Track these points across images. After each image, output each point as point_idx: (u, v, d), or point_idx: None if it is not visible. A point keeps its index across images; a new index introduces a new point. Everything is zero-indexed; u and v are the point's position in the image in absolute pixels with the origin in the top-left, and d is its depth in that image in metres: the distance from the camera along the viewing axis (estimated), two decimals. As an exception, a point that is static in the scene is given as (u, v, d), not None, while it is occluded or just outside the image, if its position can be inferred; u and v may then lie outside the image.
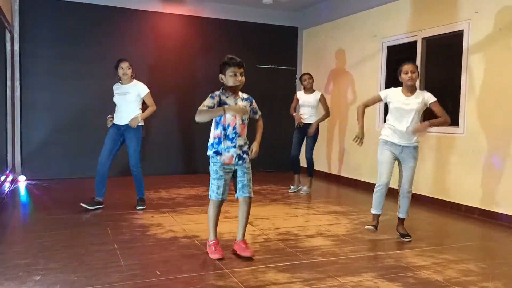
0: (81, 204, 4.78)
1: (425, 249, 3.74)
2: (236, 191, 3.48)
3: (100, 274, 2.99)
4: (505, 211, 4.68)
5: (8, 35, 6.16)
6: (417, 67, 3.93)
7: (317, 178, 7.57)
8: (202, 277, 2.99)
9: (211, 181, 3.41)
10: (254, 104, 3.55)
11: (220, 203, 3.44)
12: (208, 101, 3.33)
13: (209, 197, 3.43)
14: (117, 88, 4.93)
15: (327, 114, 6.13)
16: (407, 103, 3.87)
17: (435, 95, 3.92)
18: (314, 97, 6.11)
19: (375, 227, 4.09)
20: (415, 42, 5.83)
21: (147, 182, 5.49)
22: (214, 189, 3.39)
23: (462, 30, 5.17)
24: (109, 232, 4.01)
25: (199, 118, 3.30)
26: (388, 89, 4.05)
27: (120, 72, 4.85)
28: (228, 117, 3.33)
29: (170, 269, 3.14)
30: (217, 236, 3.50)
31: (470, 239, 4.26)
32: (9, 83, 6.24)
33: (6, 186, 5.57)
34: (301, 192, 6.17)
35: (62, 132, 6.79)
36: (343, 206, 5.39)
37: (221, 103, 3.35)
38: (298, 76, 8.43)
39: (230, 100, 3.38)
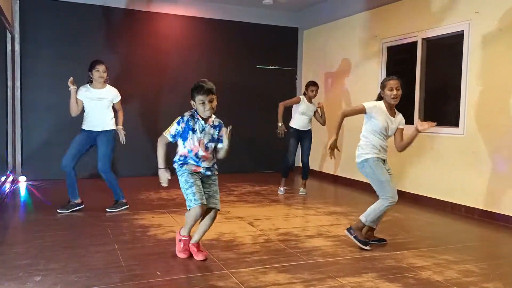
0: (58, 210, 4.70)
1: (425, 250, 3.74)
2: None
3: (100, 275, 2.99)
4: (505, 211, 4.68)
5: (8, 36, 6.17)
6: (401, 83, 3.72)
7: (316, 179, 7.58)
8: (202, 278, 2.99)
9: (185, 192, 3.25)
10: (223, 131, 3.35)
11: (202, 208, 3.22)
12: (173, 128, 3.25)
13: (187, 207, 3.23)
14: (87, 91, 4.73)
15: (324, 124, 6.23)
16: (391, 124, 3.72)
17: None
18: (313, 108, 6.10)
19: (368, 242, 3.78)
20: (415, 43, 5.84)
21: (148, 183, 5.53)
22: (191, 197, 3.20)
23: (463, 31, 5.18)
24: (110, 232, 4.02)
25: (158, 146, 3.29)
26: (374, 102, 3.74)
27: (96, 74, 4.69)
28: (190, 143, 3.24)
29: (170, 269, 3.14)
30: (217, 236, 3.48)
31: (470, 240, 4.27)
32: (9, 83, 6.25)
33: (7, 187, 5.57)
34: (299, 193, 6.17)
35: (62, 133, 6.77)
36: (343, 207, 5.39)
37: (189, 128, 3.23)
38: (298, 76, 8.45)
39: (197, 126, 3.25)
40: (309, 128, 6.13)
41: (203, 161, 3.31)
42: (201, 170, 3.31)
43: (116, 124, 4.90)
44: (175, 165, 3.34)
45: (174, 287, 2.86)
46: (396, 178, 6.05)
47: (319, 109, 6.13)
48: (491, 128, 4.86)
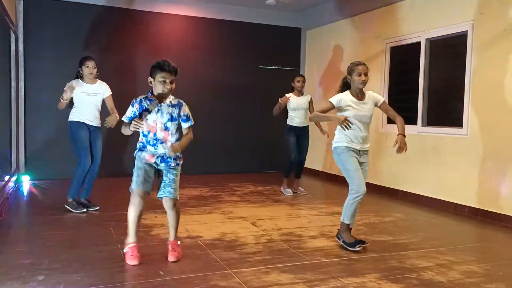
0: (90, 210, 4.79)
1: (428, 250, 3.73)
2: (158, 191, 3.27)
3: (103, 274, 3.00)
4: (509, 212, 4.67)
5: (12, 36, 6.19)
6: (369, 69, 3.73)
7: (319, 179, 7.57)
8: (205, 278, 2.99)
9: (133, 174, 3.21)
10: (186, 110, 3.29)
11: (141, 192, 3.14)
12: (128, 111, 3.19)
13: (130, 190, 3.17)
14: (79, 85, 4.70)
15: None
16: (363, 108, 3.68)
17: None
18: (306, 99, 6.05)
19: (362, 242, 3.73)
20: (418, 43, 5.82)
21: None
22: (134, 178, 3.16)
23: (466, 31, 5.16)
24: (112, 232, 4.02)
25: (123, 131, 3.18)
26: (339, 95, 3.71)
27: (86, 71, 4.69)
28: (148, 123, 3.15)
29: (173, 269, 3.14)
30: (219, 236, 3.47)
31: (473, 241, 4.26)
32: (13, 83, 6.26)
33: (10, 186, 5.59)
34: (300, 193, 6.13)
35: (65, 132, 6.76)
36: (346, 207, 5.37)
37: (142, 109, 3.16)
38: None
39: (152, 106, 3.16)
40: (307, 124, 6.06)
41: (161, 143, 3.18)
42: (154, 160, 3.19)
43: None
44: (135, 153, 3.27)
45: (176, 287, 2.86)
46: (399, 178, 6.05)
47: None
48: (494, 129, 4.84)
